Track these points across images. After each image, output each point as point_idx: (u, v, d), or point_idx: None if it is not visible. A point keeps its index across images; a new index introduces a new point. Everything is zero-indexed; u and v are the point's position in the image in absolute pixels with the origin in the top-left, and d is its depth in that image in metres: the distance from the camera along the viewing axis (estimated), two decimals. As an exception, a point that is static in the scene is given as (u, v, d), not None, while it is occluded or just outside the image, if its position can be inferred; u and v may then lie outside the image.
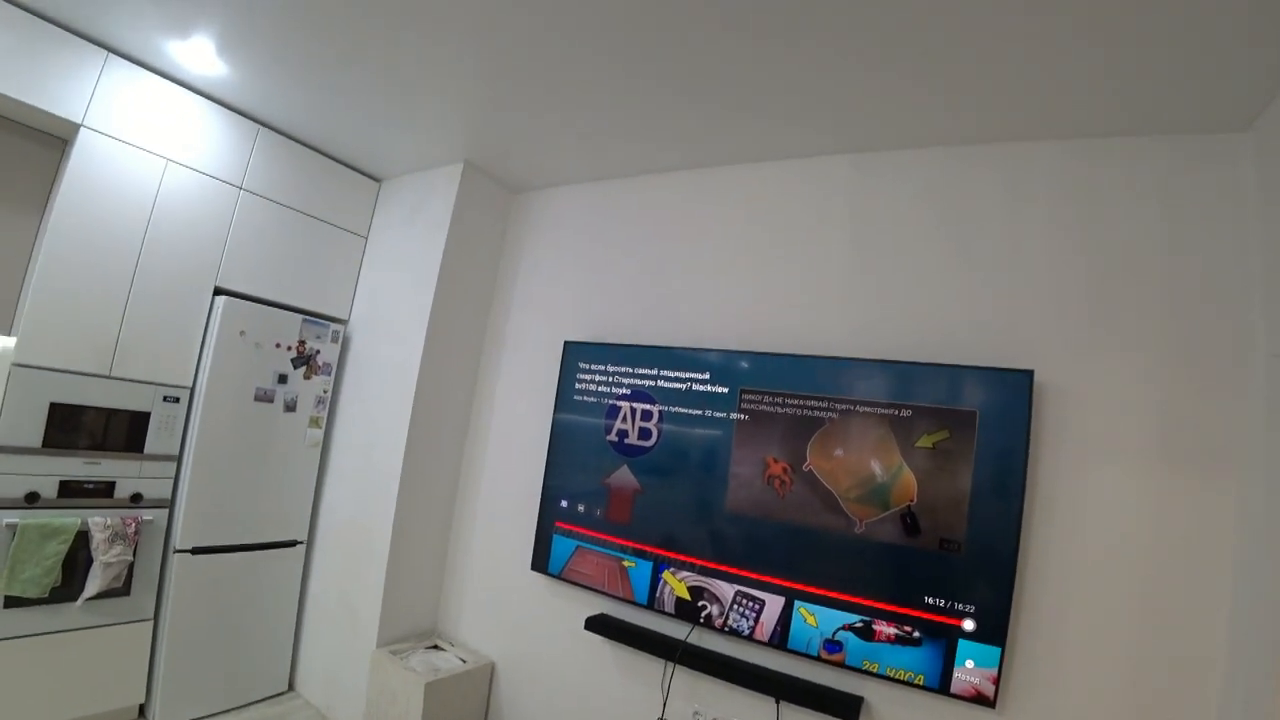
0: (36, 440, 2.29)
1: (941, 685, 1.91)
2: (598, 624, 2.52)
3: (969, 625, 1.89)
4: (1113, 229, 1.97)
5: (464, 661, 2.84)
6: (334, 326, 3.16)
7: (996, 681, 1.85)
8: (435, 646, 2.96)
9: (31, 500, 2.29)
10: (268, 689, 3.05)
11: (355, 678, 2.85)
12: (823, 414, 2.16)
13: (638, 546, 2.46)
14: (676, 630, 2.39)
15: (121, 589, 2.50)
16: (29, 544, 2.23)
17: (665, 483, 2.45)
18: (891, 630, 1.99)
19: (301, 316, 3.03)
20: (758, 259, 2.54)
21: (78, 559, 2.37)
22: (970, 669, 1.88)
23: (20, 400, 2.26)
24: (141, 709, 2.69)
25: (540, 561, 2.71)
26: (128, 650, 2.57)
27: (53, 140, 2.46)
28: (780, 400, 2.24)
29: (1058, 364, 1.96)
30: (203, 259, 2.74)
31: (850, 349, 2.23)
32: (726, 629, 2.24)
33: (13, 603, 2.24)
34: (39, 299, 2.30)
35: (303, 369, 3.02)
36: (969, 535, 1.91)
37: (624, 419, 2.57)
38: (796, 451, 2.18)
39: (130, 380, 2.53)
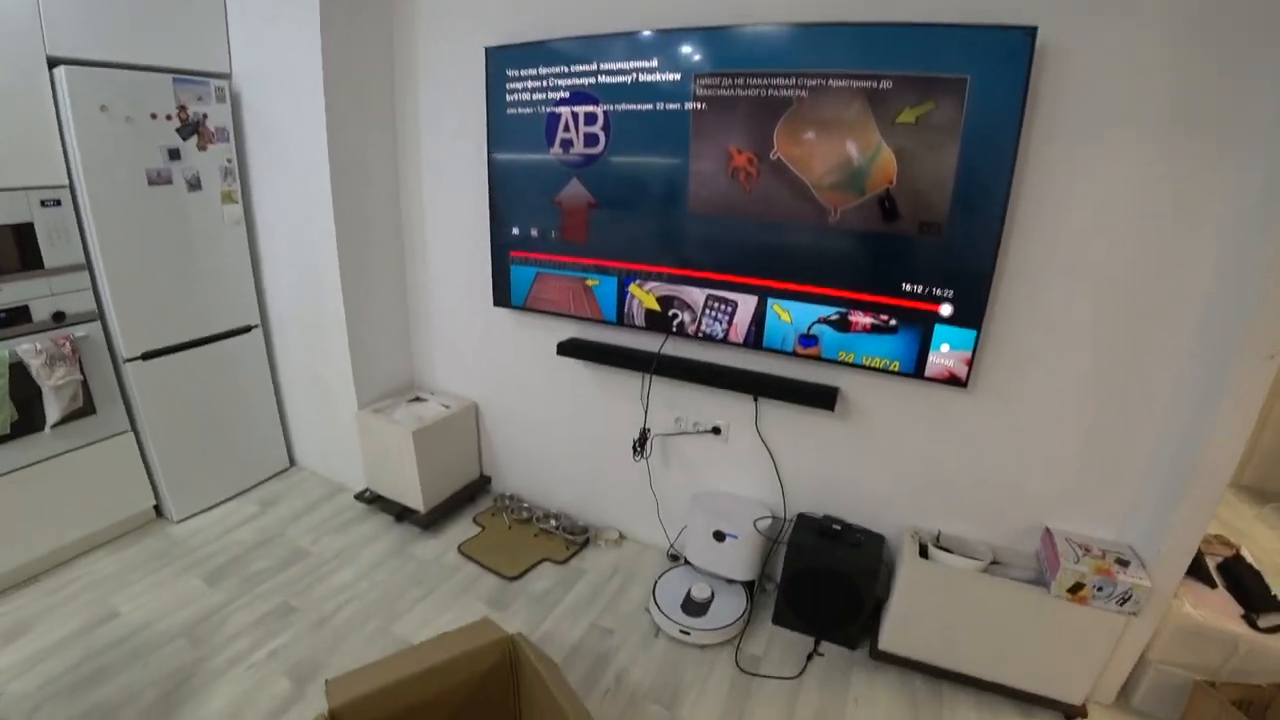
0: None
1: (916, 370, 1.93)
2: (570, 348, 2.50)
3: (946, 310, 1.85)
4: None
5: (447, 407, 2.90)
6: (215, 83, 2.62)
7: (970, 363, 1.87)
8: (417, 399, 3.01)
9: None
10: (271, 468, 3.17)
11: (349, 441, 2.92)
12: (790, 93, 1.86)
13: (599, 263, 2.33)
14: (650, 343, 2.37)
15: (85, 409, 2.41)
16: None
17: (620, 191, 2.23)
18: (868, 320, 1.95)
19: (171, 76, 2.48)
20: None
21: (28, 391, 2.23)
22: (945, 352, 1.89)
23: None
24: (157, 509, 2.79)
25: (502, 296, 2.62)
26: (117, 462, 2.58)
27: None
28: (741, 82, 1.92)
29: (1061, 20, 1.61)
30: (14, 23, 2.09)
31: (817, 12, 1.84)
32: (700, 335, 2.22)
33: (-21, 445, 2.14)
34: None
35: (193, 139, 2.59)
36: (950, 218, 1.77)
37: (566, 128, 2.25)
38: (762, 139, 1.93)
39: (-12, 190, 2.11)
